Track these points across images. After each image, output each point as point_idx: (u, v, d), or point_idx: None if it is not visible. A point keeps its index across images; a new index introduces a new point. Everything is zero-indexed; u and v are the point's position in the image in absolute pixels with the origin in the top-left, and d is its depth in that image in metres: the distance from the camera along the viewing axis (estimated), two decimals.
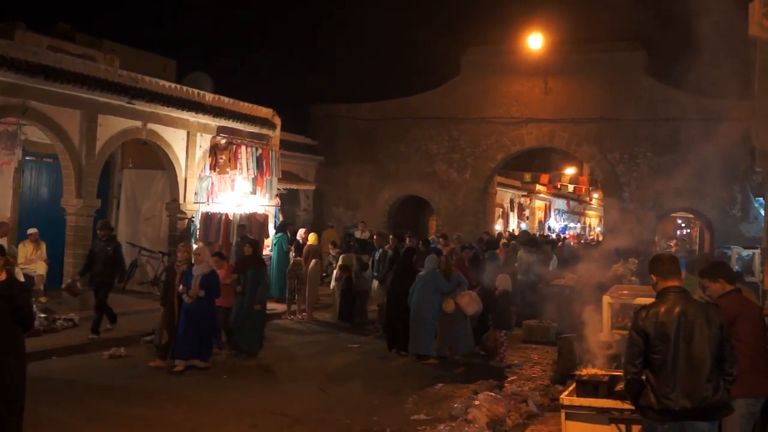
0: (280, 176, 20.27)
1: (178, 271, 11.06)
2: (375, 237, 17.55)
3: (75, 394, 9.19)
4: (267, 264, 14.34)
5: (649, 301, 7.30)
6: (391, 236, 16.47)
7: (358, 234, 21.06)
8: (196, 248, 11.70)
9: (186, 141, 17.15)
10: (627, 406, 5.48)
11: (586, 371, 6.32)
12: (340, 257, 15.88)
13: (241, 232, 16.42)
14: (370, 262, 15.80)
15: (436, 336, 12.37)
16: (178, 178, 17.03)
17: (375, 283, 15.42)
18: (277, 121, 20.30)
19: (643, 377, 4.94)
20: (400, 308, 12.58)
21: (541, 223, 40.52)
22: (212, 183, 17.68)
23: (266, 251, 17.18)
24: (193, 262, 11.02)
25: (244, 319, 11.85)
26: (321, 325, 15.47)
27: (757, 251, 16.98)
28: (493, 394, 9.23)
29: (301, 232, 17.55)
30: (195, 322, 10.62)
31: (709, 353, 4.80)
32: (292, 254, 17.04)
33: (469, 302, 12.24)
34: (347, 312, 15.37)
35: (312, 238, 16.47)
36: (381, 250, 15.61)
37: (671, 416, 4.76)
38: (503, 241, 19.09)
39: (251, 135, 19.00)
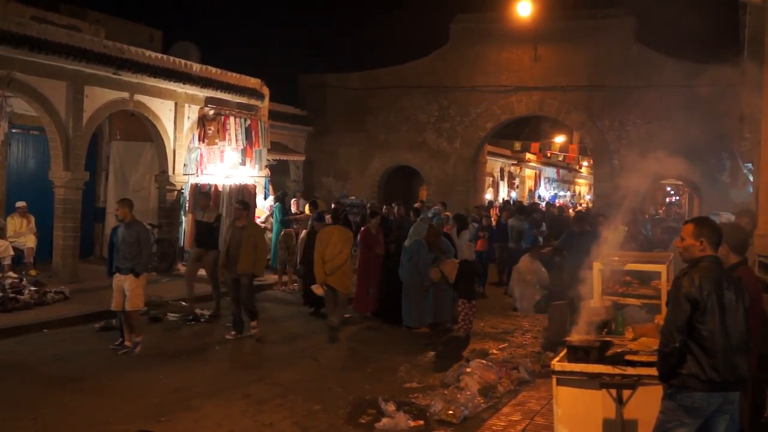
0: (270, 147, 20.16)
1: None
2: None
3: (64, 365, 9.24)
4: None
5: (640, 267, 7.34)
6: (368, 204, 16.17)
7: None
8: None
9: (174, 112, 17.05)
10: (618, 371, 5.51)
11: (577, 337, 6.34)
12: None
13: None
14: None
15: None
16: (167, 150, 16.94)
17: None
18: (266, 91, 20.17)
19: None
20: (393, 280, 12.64)
21: (531, 192, 40.56)
22: (201, 154, 17.58)
23: (259, 221, 17.13)
24: None
25: None
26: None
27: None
28: (484, 361, 9.30)
29: (292, 202, 17.48)
30: None
31: (744, 325, 4.83)
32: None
33: (453, 269, 12.20)
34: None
35: (308, 208, 16.35)
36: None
37: (715, 387, 4.76)
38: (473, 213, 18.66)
39: (239, 106, 18.87)
